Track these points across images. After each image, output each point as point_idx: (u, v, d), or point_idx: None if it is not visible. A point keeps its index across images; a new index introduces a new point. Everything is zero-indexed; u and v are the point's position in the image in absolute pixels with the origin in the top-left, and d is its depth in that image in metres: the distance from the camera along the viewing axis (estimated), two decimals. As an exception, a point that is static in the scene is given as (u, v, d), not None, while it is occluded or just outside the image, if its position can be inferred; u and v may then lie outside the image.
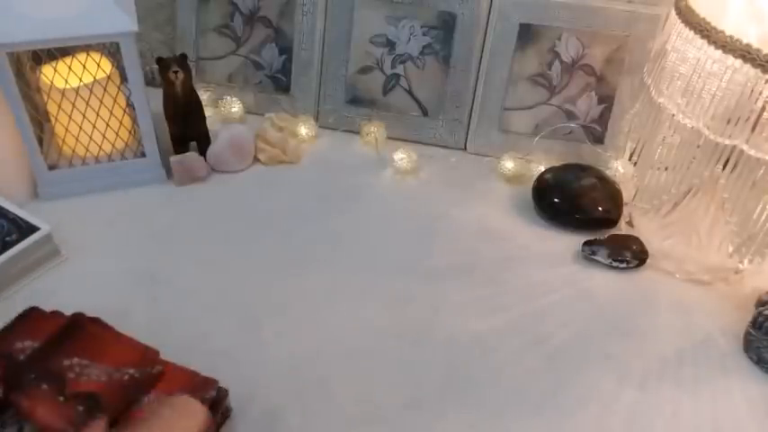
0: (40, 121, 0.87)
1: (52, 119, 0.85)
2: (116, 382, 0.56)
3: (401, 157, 0.95)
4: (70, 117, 0.83)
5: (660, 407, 0.67)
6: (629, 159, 0.84)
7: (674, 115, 0.71)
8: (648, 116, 0.76)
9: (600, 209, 0.87)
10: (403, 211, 0.90)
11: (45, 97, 0.84)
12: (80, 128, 0.85)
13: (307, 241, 0.84)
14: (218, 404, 0.59)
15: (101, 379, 0.56)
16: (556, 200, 0.88)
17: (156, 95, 0.88)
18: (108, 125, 0.86)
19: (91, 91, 0.82)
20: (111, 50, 0.84)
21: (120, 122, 0.87)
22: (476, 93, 0.98)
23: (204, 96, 0.98)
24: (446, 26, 0.96)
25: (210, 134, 0.93)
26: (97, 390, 0.55)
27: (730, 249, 0.76)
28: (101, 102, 0.84)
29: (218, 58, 1.05)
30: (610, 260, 0.82)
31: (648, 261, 0.83)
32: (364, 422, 0.63)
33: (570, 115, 0.97)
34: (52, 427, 0.51)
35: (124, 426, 0.54)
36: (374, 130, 1.00)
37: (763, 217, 0.70)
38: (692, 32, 0.67)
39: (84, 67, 0.81)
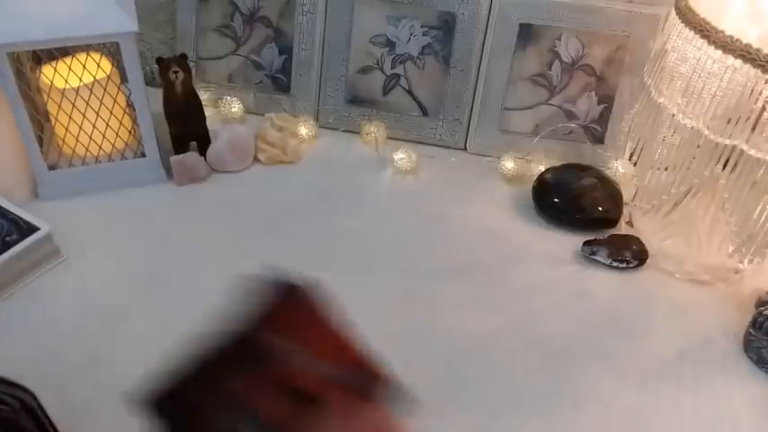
0: (40, 121, 0.87)
1: (52, 119, 0.85)
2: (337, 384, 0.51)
3: (401, 157, 0.95)
4: (70, 117, 0.83)
5: (660, 407, 0.67)
6: (629, 159, 0.84)
7: (674, 115, 0.71)
8: (648, 116, 0.76)
9: (600, 209, 0.87)
10: (403, 210, 0.90)
11: (45, 97, 0.84)
12: (80, 128, 0.85)
13: (306, 241, 0.84)
14: None
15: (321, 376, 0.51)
16: (556, 200, 0.88)
17: (156, 95, 0.88)
18: (108, 125, 0.86)
19: (91, 91, 0.82)
20: (111, 50, 0.84)
21: (120, 122, 0.87)
22: (476, 93, 0.98)
23: (204, 96, 0.98)
24: (446, 26, 0.96)
25: (210, 134, 0.93)
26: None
27: (730, 249, 0.76)
28: (101, 102, 0.84)
29: (218, 58, 1.05)
30: (610, 260, 0.82)
31: (648, 261, 0.83)
32: (364, 422, 0.63)
33: (570, 115, 0.97)
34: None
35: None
36: (374, 130, 1.00)
37: (763, 217, 0.70)
38: (692, 32, 0.67)
39: (84, 67, 0.81)
